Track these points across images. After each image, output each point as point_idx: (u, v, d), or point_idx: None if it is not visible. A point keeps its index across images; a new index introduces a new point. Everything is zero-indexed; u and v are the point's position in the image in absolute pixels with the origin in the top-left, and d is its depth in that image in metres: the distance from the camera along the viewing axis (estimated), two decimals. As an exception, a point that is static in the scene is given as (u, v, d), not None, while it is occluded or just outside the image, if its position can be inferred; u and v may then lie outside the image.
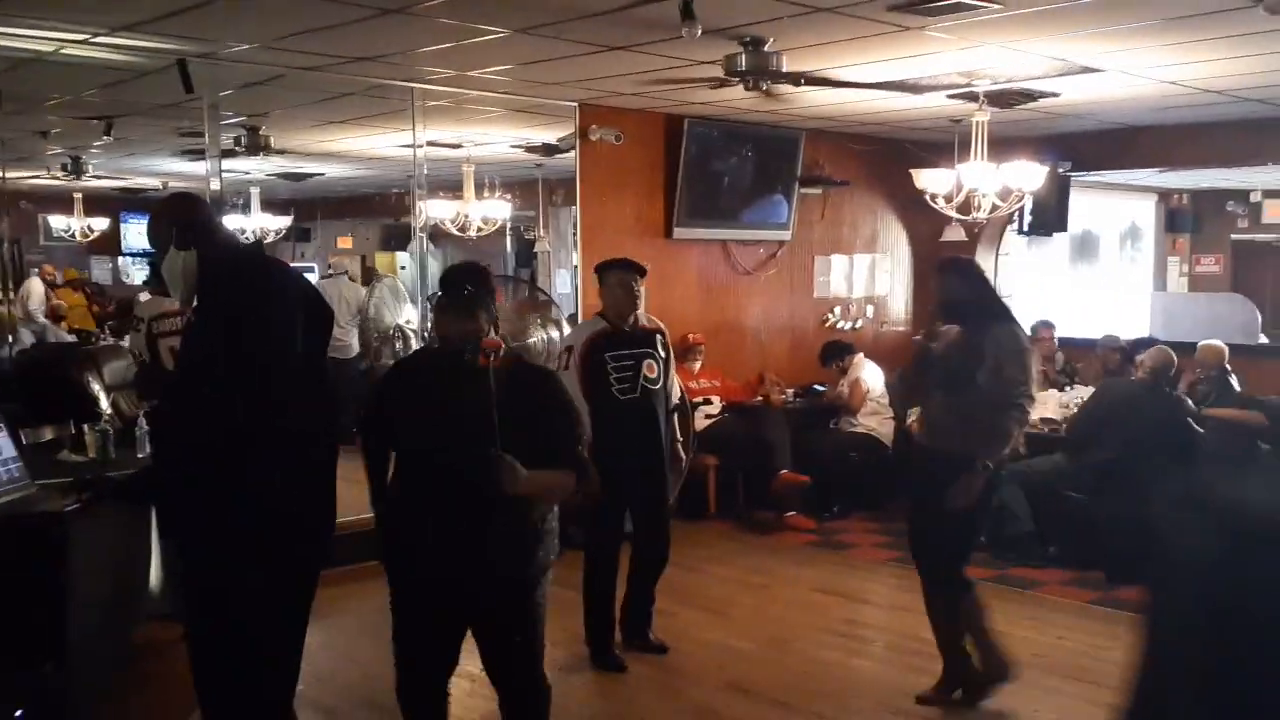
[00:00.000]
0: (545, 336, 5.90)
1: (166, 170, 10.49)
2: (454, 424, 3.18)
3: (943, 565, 4.61)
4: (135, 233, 13.23)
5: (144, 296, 7.88)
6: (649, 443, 5.09)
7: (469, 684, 4.16)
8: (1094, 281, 13.60)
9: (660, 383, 5.14)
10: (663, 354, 5.18)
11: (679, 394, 5.49)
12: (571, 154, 7.72)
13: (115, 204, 12.65)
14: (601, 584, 5.17)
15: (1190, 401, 6.94)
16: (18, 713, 3.06)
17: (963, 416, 4.48)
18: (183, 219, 3.39)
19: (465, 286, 3.25)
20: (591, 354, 5.02)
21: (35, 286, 10.15)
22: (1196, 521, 1.35)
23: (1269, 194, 13.04)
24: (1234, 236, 14.09)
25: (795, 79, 6.20)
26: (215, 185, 6.56)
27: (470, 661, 3.49)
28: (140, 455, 4.41)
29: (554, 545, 3.43)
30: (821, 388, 8.63)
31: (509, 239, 11.41)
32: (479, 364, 3.08)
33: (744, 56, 5.50)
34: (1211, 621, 1.28)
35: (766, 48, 5.47)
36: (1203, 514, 1.35)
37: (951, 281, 4.65)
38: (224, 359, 3.15)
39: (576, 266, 8.00)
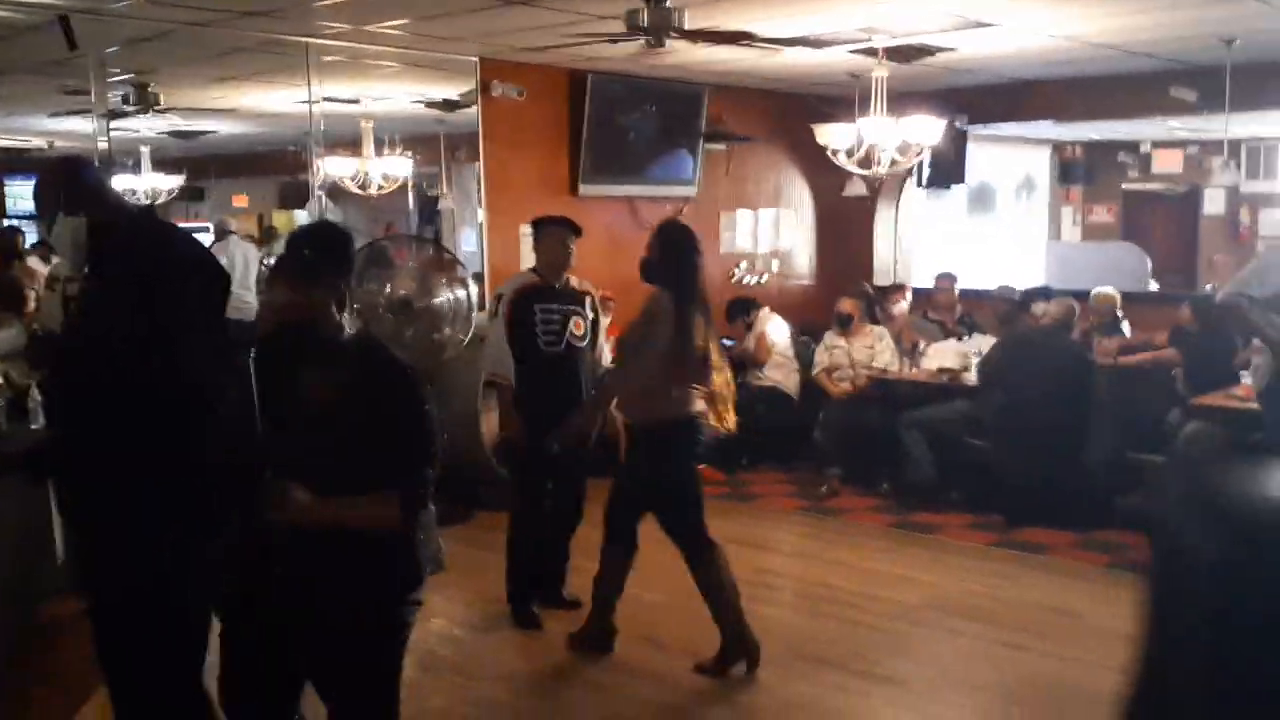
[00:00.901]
0: (452, 296, 5.83)
1: (52, 129, 10.08)
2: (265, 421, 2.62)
3: (684, 529, 4.70)
4: (19, 195, 12.72)
5: (32, 261, 7.62)
6: (569, 397, 5.08)
7: None
8: (991, 232, 13.87)
9: (586, 341, 5.15)
10: (591, 315, 5.22)
11: (605, 363, 5.43)
12: (473, 110, 7.63)
13: (-3, 165, 12.13)
14: (530, 539, 5.19)
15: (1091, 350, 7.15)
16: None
17: (631, 384, 4.59)
18: (70, 183, 3.29)
19: (304, 250, 2.70)
20: (520, 303, 5.07)
21: None
22: (1200, 519, 1.35)
23: (1158, 145, 13.40)
24: (1125, 186, 14.47)
25: (696, 36, 6.18)
26: (103, 144, 6.36)
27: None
28: (34, 427, 4.28)
29: (402, 580, 2.73)
30: (729, 342, 8.69)
31: (411, 196, 11.21)
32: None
33: (645, 12, 5.47)
34: (1217, 618, 1.28)
35: (668, 3, 5.45)
36: (1207, 511, 1.36)
37: (651, 245, 4.75)
38: (134, 330, 3.06)
39: (482, 224, 7.92)
